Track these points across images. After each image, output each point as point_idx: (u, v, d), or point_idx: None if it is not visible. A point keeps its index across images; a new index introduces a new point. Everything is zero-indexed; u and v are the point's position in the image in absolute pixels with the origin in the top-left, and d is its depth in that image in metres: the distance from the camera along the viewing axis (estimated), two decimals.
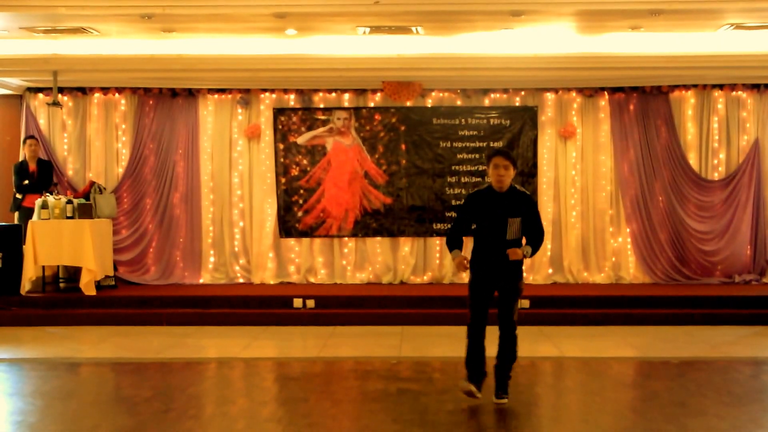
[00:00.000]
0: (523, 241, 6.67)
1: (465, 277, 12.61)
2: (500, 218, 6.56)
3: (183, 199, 12.93)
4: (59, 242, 11.26)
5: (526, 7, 9.38)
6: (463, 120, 12.81)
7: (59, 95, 12.29)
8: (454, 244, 6.72)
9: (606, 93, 12.79)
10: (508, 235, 6.54)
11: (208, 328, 10.66)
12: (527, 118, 12.80)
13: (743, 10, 9.53)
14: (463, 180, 12.80)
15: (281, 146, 12.85)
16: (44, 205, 11.39)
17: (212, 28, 10.49)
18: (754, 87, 12.68)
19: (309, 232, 12.89)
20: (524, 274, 6.82)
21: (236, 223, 12.99)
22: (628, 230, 12.77)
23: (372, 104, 12.90)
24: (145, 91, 12.86)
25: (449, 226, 12.66)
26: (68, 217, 11.44)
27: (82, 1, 9.21)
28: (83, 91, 12.89)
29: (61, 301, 11.30)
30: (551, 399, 7.05)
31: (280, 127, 12.84)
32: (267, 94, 12.90)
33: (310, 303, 11.19)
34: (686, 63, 11.34)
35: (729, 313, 10.84)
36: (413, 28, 10.35)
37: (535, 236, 6.65)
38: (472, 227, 6.74)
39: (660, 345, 9.48)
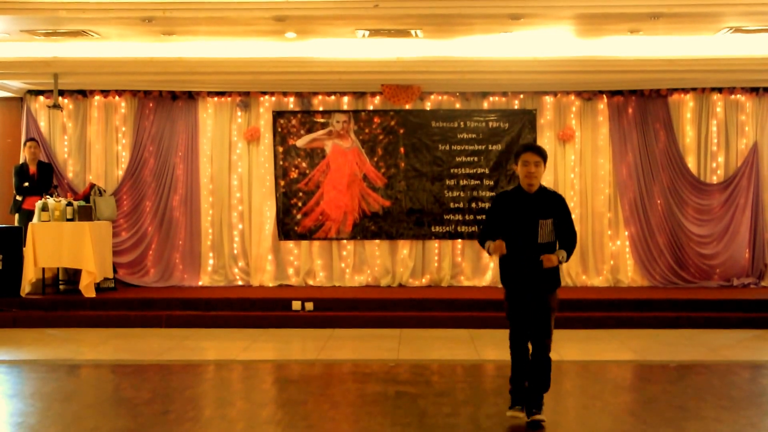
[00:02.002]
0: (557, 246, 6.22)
1: (464, 280, 12.73)
2: (531, 220, 6.10)
3: (182, 201, 12.95)
4: (59, 244, 11.28)
5: (525, 10, 9.39)
6: (461, 123, 12.83)
7: (60, 98, 12.31)
8: (486, 240, 6.22)
9: (605, 96, 12.82)
10: (539, 238, 6.10)
11: (207, 330, 10.67)
12: (526, 121, 12.82)
13: (742, 14, 9.54)
14: (461, 183, 12.81)
15: (280, 149, 12.87)
16: (44, 208, 11.41)
17: (212, 31, 10.51)
18: (753, 90, 12.71)
19: (308, 235, 12.90)
20: (561, 284, 6.34)
21: (235, 226, 13.01)
22: (626, 233, 12.79)
23: (371, 107, 12.93)
24: (145, 94, 12.88)
25: (448, 229, 12.72)
26: (68, 220, 11.46)
27: (83, 4, 9.23)
28: (84, 93, 12.93)
29: (61, 303, 11.31)
30: (550, 403, 7.04)
31: (279, 129, 12.86)
32: (266, 96, 12.92)
33: (309, 305, 11.20)
34: (685, 66, 11.35)
35: (728, 316, 10.85)
36: (412, 32, 10.36)
37: (568, 240, 6.19)
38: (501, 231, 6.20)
39: (658, 348, 9.49)
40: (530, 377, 6.28)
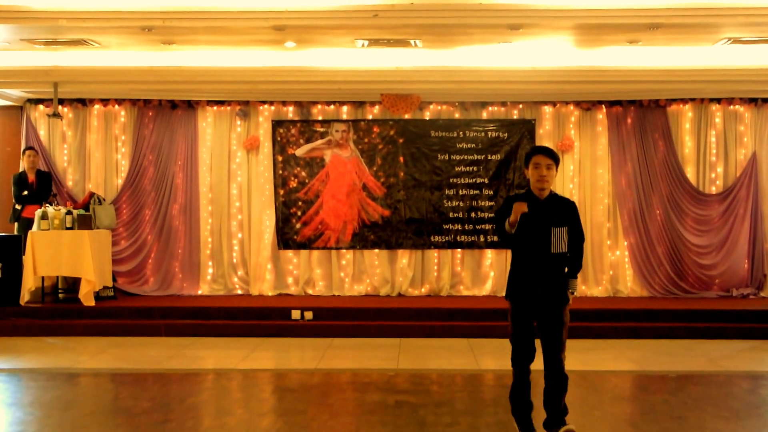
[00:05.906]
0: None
1: (464, 290, 12.71)
2: (543, 228, 5.79)
3: (182, 210, 12.96)
4: (59, 253, 11.28)
5: (524, 20, 9.40)
6: (461, 133, 12.85)
7: (59, 106, 12.33)
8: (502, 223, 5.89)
9: (604, 106, 12.84)
10: (552, 248, 5.78)
11: (206, 339, 10.67)
12: (525, 131, 12.85)
13: (741, 25, 9.56)
14: (461, 192, 12.83)
15: (280, 158, 12.88)
16: (44, 216, 11.41)
17: (212, 41, 10.52)
18: (752, 101, 12.74)
19: (307, 244, 12.91)
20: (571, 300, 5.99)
21: (235, 235, 13.02)
22: (625, 243, 12.80)
23: (370, 117, 12.95)
24: (145, 103, 12.91)
25: (447, 238, 12.73)
26: (68, 228, 11.46)
27: (83, 13, 9.24)
28: (83, 102, 12.95)
29: (61, 311, 11.30)
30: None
31: (278, 139, 12.88)
32: (266, 106, 12.94)
33: (308, 315, 11.20)
34: (684, 77, 11.38)
35: (727, 327, 10.85)
36: (412, 41, 10.38)
37: (575, 254, 5.92)
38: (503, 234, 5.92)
39: (658, 359, 9.49)
40: (547, 396, 5.90)
